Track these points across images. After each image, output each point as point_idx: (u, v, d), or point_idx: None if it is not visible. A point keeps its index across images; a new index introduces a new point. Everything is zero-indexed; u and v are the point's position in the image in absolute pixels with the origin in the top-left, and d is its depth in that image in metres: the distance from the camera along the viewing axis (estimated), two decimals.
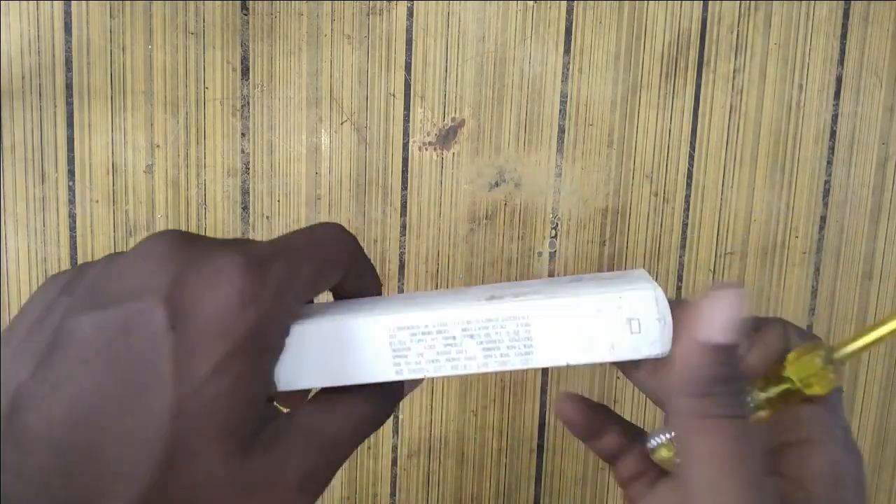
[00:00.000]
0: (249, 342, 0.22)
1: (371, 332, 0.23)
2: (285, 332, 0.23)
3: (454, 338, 0.23)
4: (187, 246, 0.23)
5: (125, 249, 0.40)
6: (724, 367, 0.21)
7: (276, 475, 0.22)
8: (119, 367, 0.20)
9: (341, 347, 0.24)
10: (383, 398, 0.25)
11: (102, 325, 0.21)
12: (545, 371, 0.44)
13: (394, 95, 0.42)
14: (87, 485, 0.20)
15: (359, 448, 0.45)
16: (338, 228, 0.26)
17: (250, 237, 0.42)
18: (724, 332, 0.21)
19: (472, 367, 0.22)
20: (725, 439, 0.20)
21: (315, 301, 0.27)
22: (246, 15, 0.41)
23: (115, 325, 0.21)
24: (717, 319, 0.21)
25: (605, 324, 0.22)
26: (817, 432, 0.23)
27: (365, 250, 0.26)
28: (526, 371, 0.44)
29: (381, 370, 0.23)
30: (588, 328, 0.22)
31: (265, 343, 0.22)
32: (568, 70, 0.42)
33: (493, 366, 0.22)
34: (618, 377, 0.45)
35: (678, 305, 0.22)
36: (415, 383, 0.24)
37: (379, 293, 0.27)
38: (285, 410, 0.24)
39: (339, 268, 0.25)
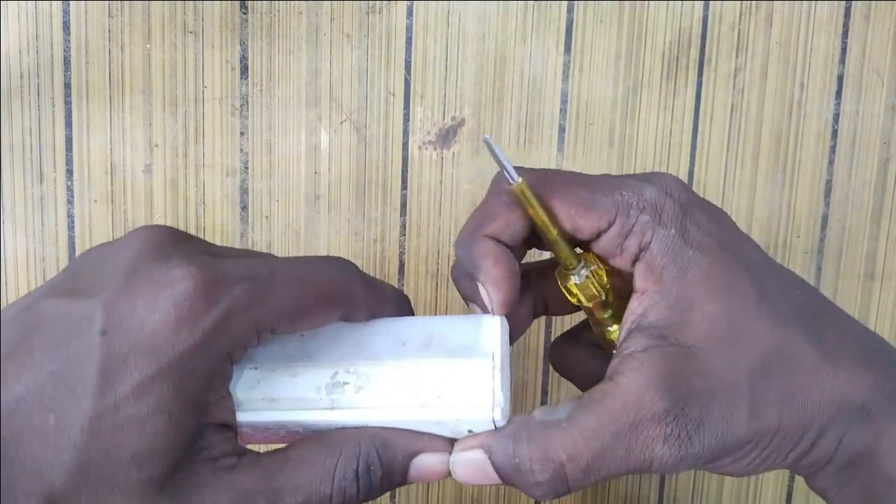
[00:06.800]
0: (178, 367, 0.20)
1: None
2: (228, 363, 0.21)
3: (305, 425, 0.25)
4: (160, 247, 0.22)
5: None
6: None
7: None
8: (58, 365, 0.20)
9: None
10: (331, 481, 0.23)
11: (57, 316, 0.20)
12: (546, 371, 0.44)
13: (393, 94, 0.42)
14: (4, 473, 0.19)
15: None
16: (336, 267, 0.25)
17: (249, 237, 0.42)
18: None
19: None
20: None
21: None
22: (245, 14, 0.41)
23: (64, 320, 0.20)
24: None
25: (448, 430, 0.26)
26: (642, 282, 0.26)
27: (365, 272, 0.26)
28: (526, 372, 0.44)
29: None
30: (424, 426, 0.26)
31: (198, 371, 0.20)
32: (568, 69, 0.42)
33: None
34: None
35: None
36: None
37: (398, 313, 0.27)
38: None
39: (329, 308, 0.24)
